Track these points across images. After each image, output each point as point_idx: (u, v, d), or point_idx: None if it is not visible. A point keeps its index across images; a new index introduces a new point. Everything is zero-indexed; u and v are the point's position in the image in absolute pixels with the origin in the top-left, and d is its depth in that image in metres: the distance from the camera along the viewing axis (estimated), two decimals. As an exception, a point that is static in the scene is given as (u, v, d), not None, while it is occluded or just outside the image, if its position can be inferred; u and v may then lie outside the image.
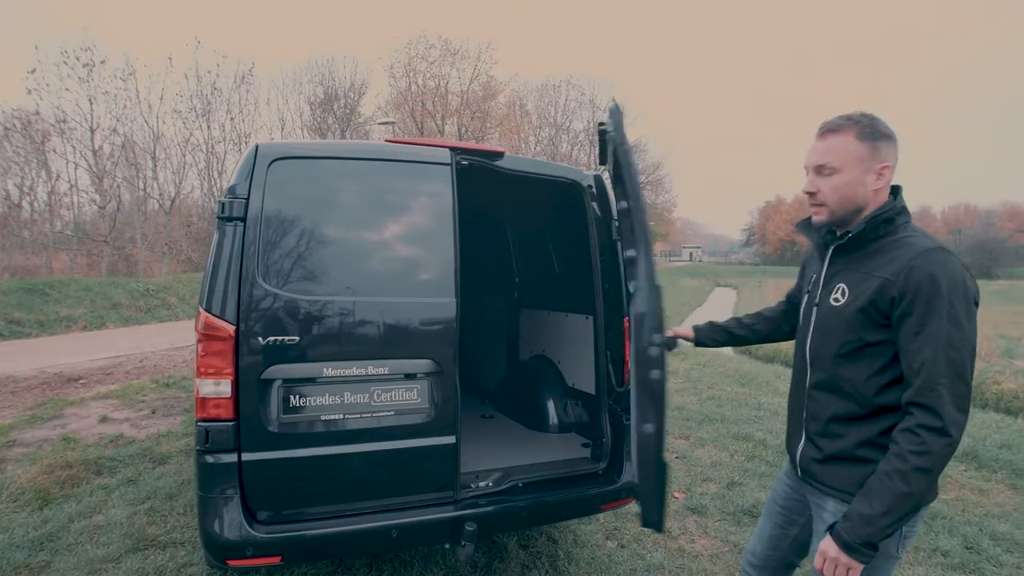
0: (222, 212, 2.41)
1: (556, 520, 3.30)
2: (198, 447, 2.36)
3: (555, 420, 3.80)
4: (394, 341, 2.57)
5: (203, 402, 2.36)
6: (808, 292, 1.87)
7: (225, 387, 2.36)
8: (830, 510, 1.72)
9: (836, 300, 1.71)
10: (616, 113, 2.35)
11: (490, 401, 4.67)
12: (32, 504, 3.92)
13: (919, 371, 1.51)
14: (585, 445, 3.47)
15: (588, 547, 3.50)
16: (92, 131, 22.99)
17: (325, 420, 2.47)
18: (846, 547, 1.53)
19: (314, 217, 2.52)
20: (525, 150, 39.18)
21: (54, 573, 3.13)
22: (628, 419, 3.07)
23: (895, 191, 1.72)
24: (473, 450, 3.29)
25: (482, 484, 2.79)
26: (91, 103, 22.81)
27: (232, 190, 2.44)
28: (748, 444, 5.43)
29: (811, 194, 1.74)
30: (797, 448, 1.84)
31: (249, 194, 2.42)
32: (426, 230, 2.69)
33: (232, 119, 28.48)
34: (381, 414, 2.55)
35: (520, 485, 2.81)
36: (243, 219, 2.40)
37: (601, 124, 2.41)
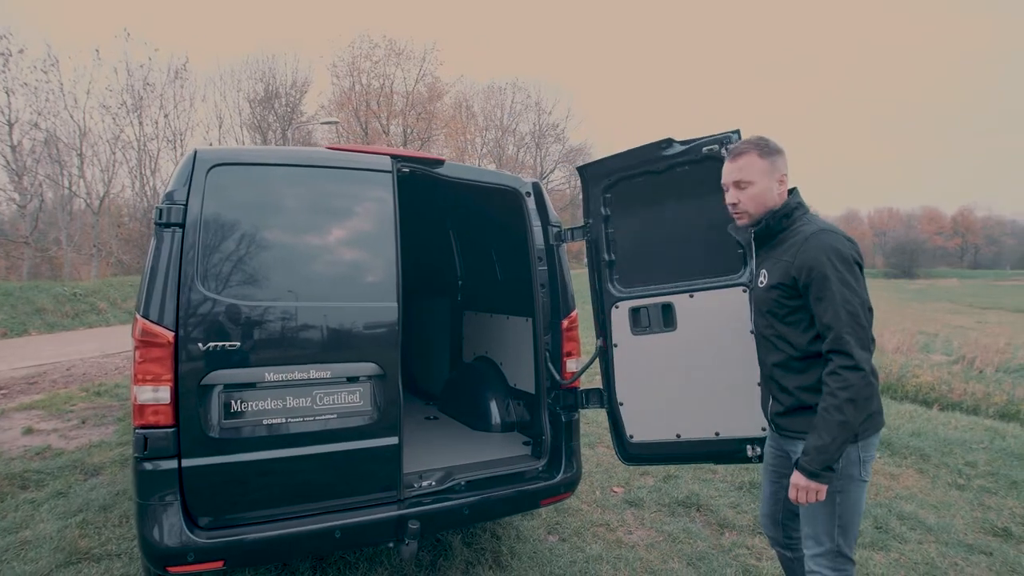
0: (159, 218, 2.40)
1: (498, 516, 3.40)
2: (136, 454, 2.34)
3: (497, 420, 3.90)
4: (336, 345, 2.62)
5: (141, 409, 2.34)
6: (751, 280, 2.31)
7: (164, 393, 2.35)
8: (800, 451, 2.05)
9: (761, 283, 2.16)
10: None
11: (434, 403, 4.73)
12: (-49, 521, 3.74)
13: (829, 325, 1.94)
14: (526, 443, 3.58)
15: (530, 542, 3.61)
16: (10, 125, 21.72)
17: (267, 424, 2.49)
18: (810, 475, 1.94)
19: (255, 223, 2.54)
20: (471, 152, 39.24)
21: (-22, 591, 3.01)
22: (566, 417, 3.21)
23: (792, 191, 2.17)
24: (417, 451, 3.35)
25: (425, 483, 2.85)
26: (8, 95, 21.58)
27: (170, 196, 2.44)
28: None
29: (734, 205, 2.17)
30: (767, 406, 2.25)
31: (188, 200, 2.43)
32: (368, 236, 2.74)
33: (166, 116, 27.46)
34: (324, 417, 2.58)
35: (462, 484, 2.89)
36: (182, 225, 2.40)
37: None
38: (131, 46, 28.86)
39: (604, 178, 2.98)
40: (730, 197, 2.17)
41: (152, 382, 2.35)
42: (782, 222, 2.11)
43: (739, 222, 2.21)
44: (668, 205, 2.85)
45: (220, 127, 31.01)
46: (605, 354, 3.07)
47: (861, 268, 2.01)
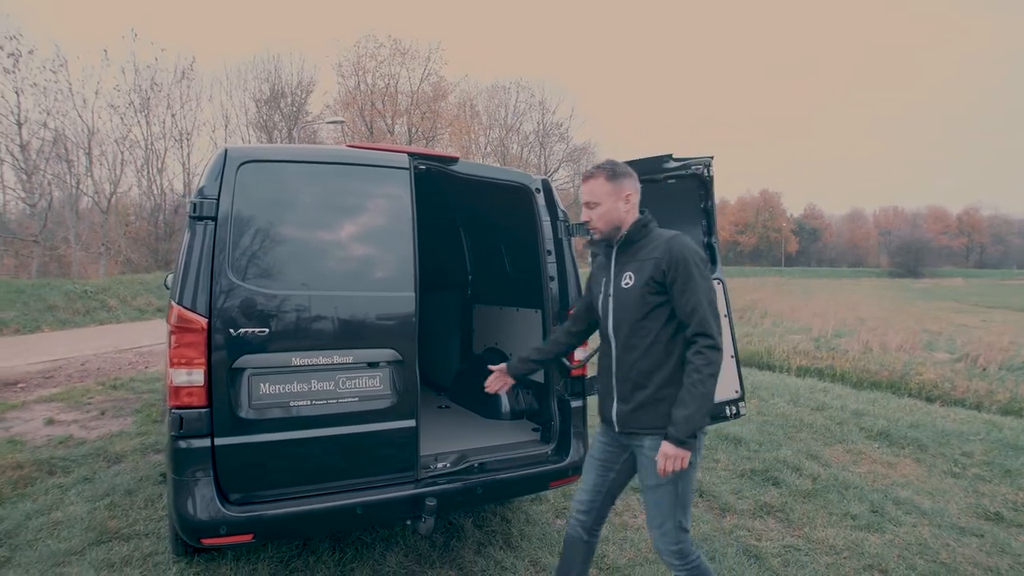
0: (193, 212, 2.56)
1: (509, 496, 3.55)
2: (172, 433, 2.49)
3: (507, 408, 4.04)
4: (358, 332, 2.77)
5: (176, 391, 2.50)
6: (601, 292, 2.51)
7: (198, 376, 2.50)
8: (647, 445, 2.34)
9: (626, 284, 2.39)
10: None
11: (446, 393, 4.88)
12: (-15, 504, 3.91)
13: (694, 310, 2.24)
14: (535, 430, 3.73)
15: (539, 525, 3.76)
16: (20, 125, 21.96)
17: (294, 406, 2.64)
18: (679, 443, 2.18)
19: (281, 217, 2.69)
20: (475, 151, 39.37)
21: (16, 567, 3.17)
22: (574, 403, 3.36)
23: (642, 210, 2.48)
24: (431, 436, 3.50)
25: (440, 465, 3.01)
26: (18, 95, 21.79)
27: (202, 191, 2.60)
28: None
29: (587, 222, 2.46)
30: (611, 410, 2.44)
31: (219, 195, 2.58)
32: (386, 229, 2.89)
33: (173, 115, 27.70)
34: (346, 400, 2.74)
35: (475, 465, 3.04)
36: (213, 218, 2.56)
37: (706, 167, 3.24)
38: (138, 46, 28.98)
39: None
40: (584, 215, 2.46)
41: (186, 365, 2.51)
42: (641, 231, 2.42)
43: (595, 236, 2.49)
44: (658, 210, 3.19)
45: (226, 127, 31.27)
46: None
47: (705, 267, 2.38)
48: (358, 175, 2.89)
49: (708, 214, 3.45)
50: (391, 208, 2.91)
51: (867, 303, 27.17)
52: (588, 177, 2.44)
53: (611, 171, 2.41)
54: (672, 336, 2.32)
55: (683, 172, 3.28)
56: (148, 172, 27.64)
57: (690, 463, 2.27)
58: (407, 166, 2.95)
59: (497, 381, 2.82)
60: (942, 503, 4.16)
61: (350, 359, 2.75)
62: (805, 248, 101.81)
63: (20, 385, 7.81)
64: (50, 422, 5.97)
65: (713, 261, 3.40)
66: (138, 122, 26.41)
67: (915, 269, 71.30)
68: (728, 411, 3.29)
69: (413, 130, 34.76)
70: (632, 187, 2.43)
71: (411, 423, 2.87)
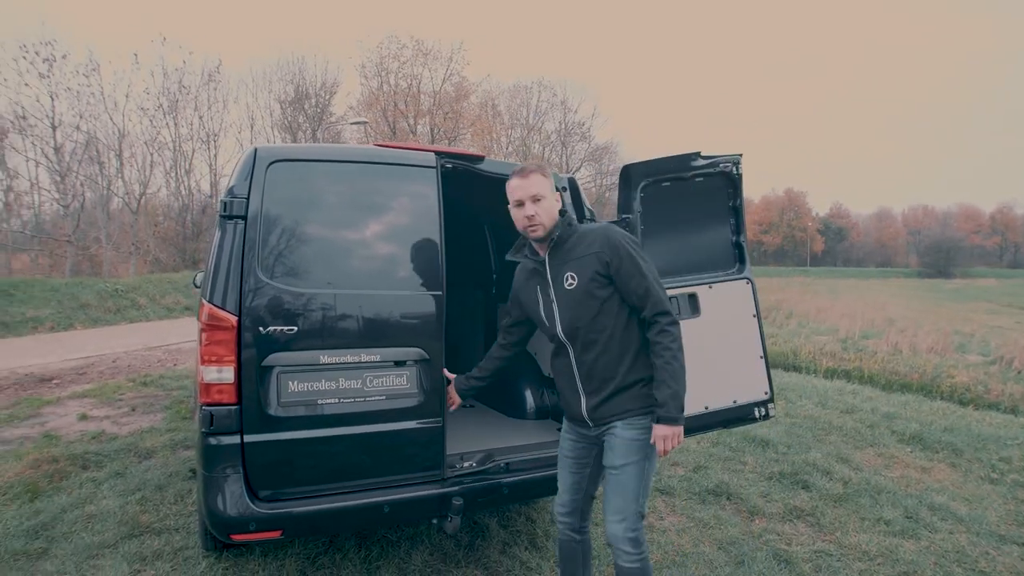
0: (223, 211, 2.59)
1: (535, 496, 3.53)
2: (203, 430, 2.52)
3: (532, 407, 4.03)
4: (385, 330, 2.78)
5: (207, 388, 2.52)
6: (540, 300, 2.47)
7: (228, 374, 2.53)
8: (618, 430, 2.33)
9: (570, 285, 2.35)
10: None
11: None
12: (22, 497, 4.00)
13: (647, 292, 2.26)
14: (560, 430, 3.70)
15: (564, 525, 3.73)
16: (54, 128, 22.48)
17: (321, 404, 2.66)
18: (673, 421, 2.20)
19: (310, 215, 2.71)
20: (497, 150, 39.40)
21: (52, 558, 3.24)
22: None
23: (562, 211, 2.46)
24: (456, 435, 3.49)
25: (466, 464, 3.00)
26: (52, 99, 22.30)
27: (232, 190, 2.62)
28: (712, 432, 5.73)
29: (531, 217, 2.36)
30: (580, 408, 2.41)
31: (249, 194, 2.60)
32: (413, 228, 2.89)
33: (200, 117, 28.09)
34: (373, 398, 2.74)
35: (502, 465, 3.03)
36: (243, 217, 2.58)
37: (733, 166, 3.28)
38: (167, 50, 29.69)
39: (644, 177, 3.16)
40: (527, 210, 2.36)
41: (217, 363, 2.53)
42: (569, 230, 2.41)
43: (534, 233, 2.39)
44: (686, 208, 3.31)
45: (252, 128, 31.64)
46: None
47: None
48: (386, 174, 2.89)
49: (737, 212, 3.42)
50: (418, 207, 2.91)
51: (896, 304, 26.63)
52: (529, 172, 2.40)
53: (543, 168, 2.42)
54: (627, 324, 2.33)
55: (711, 170, 3.27)
56: (176, 173, 28.11)
57: (653, 450, 2.31)
58: (434, 165, 2.94)
59: (448, 398, 2.88)
60: (980, 510, 4.04)
61: (377, 357, 2.75)
62: (831, 248, 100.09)
63: (55, 381, 8.01)
64: (83, 417, 6.10)
65: (742, 260, 3.44)
66: (167, 124, 26.87)
67: (945, 269, 69.63)
68: (757, 412, 3.29)
69: (435, 130, 34.88)
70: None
71: (438, 422, 2.86)
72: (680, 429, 2.22)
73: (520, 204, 2.40)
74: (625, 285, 2.28)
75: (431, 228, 2.89)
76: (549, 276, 2.42)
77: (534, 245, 2.49)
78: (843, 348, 12.17)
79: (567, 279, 2.36)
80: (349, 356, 2.71)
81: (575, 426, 2.52)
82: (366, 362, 2.74)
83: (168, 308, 16.93)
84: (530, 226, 2.38)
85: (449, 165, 3.02)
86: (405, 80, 34.88)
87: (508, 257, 2.60)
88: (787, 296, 25.29)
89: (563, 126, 43.88)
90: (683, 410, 2.22)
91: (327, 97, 33.77)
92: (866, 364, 10.46)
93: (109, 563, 3.20)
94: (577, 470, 2.55)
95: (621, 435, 2.31)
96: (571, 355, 2.40)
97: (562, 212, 2.44)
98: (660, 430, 2.22)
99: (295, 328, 2.61)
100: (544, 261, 2.45)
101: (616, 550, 2.32)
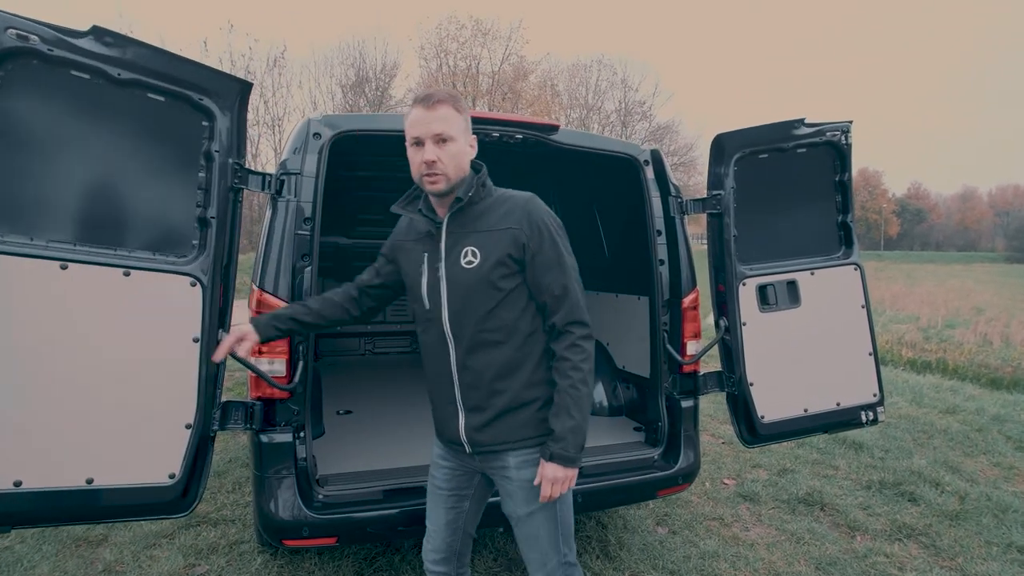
0: (276, 188, 2.37)
1: (611, 506, 3.24)
2: (254, 426, 2.33)
3: (604, 402, 3.70)
4: None
5: (257, 381, 2.33)
6: (425, 273, 1.84)
7: (279, 366, 2.33)
8: (512, 464, 1.81)
9: (468, 263, 1.76)
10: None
11: None
12: (86, 479, 3.99)
13: (563, 296, 1.76)
14: (637, 429, 3.37)
15: (639, 533, 3.42)
16: (130, 115, 23.43)
17: None
18: (569, 461, 1.71)
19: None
20: (556, 131, 38.82)
21: (112, 546, 3.17)
22: (685, 402, 2.98)
23: (477, 164, 1.85)
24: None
25: (536, 468, 2.71)
26: (129, 87, 23.21)
27: (284, 164, 2.40)
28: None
29: (431, 163, 1.71)
30: (457, 428, 1.84)
31: (302, 169, 2.37)
32: None
33: (265, 102, 28.76)
34: None
35: None
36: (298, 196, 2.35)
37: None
38: (234, 38, 30.47)
39: (739, 149, 2.79)
40: (427, 154, 1.70)
41: (268, 354, 2.33)
42: (482, 191, 1.81)
43: (433, 187, 1.74)
44: (784, 183, 2.94)
45: (315, 112, 32.23)
46: (727, 334, 2.85)
47: None
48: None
49: (844, 188, 3.02)
50: None
51: (983, 291, 24.74)
52: (439, 101, 1.71)
53: (458, 101, 1.76)
54: (532, 323, 1.80)
55: (817, 140, 2.89)
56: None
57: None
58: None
59: (225, 343, 2.01)
60: None
61: None
62: (908, 230, 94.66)
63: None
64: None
65: (849, 243, 3.05)
66: (234, 109, 27.63)
67: (1038, 254, 64.59)
68: (864, 416, 2.97)
69: (494, 111, 34.60)
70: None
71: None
72: (574, 473, 1.73)
73: (418, 143, 1.73)
74: (539, 278, 1.75)
75: None
76: (443, 246, 1.81)
77: (432, 201, 1.83)
78: (924, 338, 11.33)
79: (467, 254, 1.76)
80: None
81: (449, 450, 1.96)
82: None
83: (235, 289, 17.39)
84: (428, 175, 1.72)
85: (519, 136, 2.72)
86: (464, 61, 34.73)
87: (393, 209, 1.92)
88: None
89: (623, 105, 42.83)
90: (583, 448, 1.74)
91: (387, 80, 34.03)
92: (951, 355, 9.75)
93: (165, 554, 3.10)
94: (454, 505, 1.99)
95: (518, 477, 1.81)
96: (452, 355, 1.80)
97: (476, 167, 1.83)
98: (550, 470, 1.71)
99: None
100: (442, 225, 1.81)
101: None
